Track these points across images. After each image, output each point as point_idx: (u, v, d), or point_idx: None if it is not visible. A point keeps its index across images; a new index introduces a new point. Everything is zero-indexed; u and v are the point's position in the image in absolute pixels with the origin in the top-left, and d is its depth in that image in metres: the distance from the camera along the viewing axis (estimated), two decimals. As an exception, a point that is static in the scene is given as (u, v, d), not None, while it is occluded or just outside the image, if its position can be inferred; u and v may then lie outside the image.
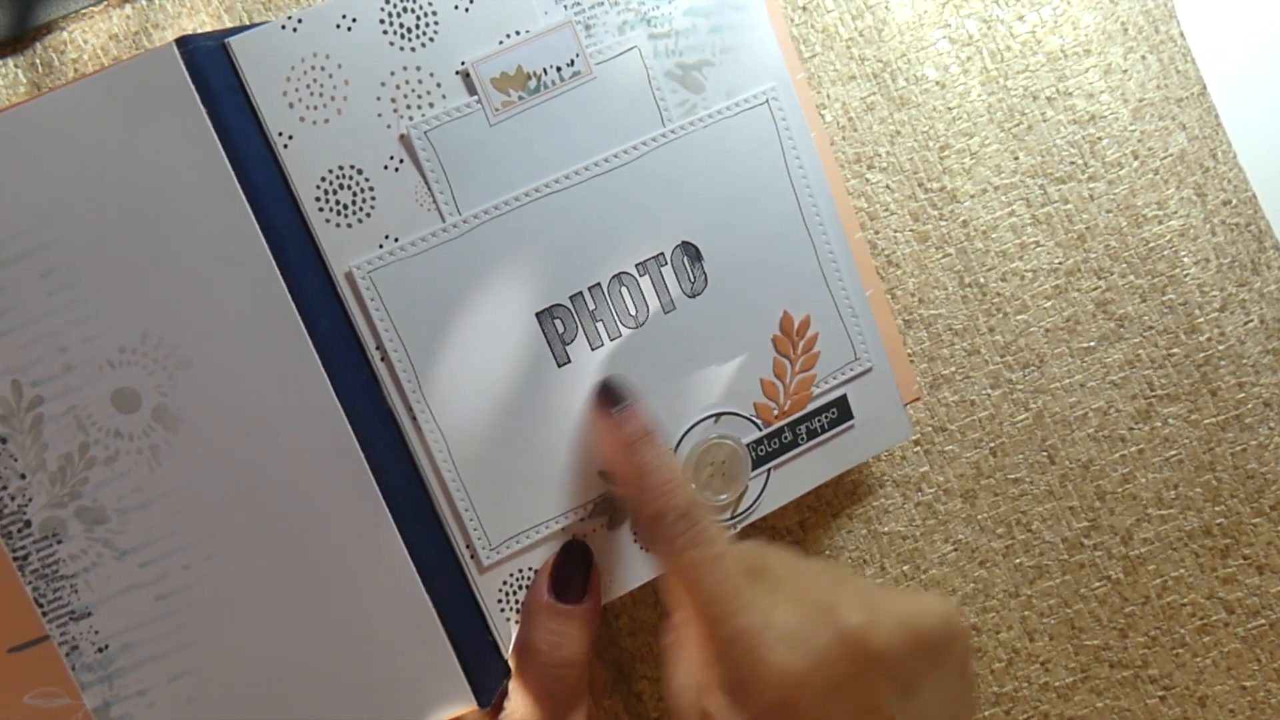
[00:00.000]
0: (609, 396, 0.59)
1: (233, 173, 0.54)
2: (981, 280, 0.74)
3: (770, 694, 0.52)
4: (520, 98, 0.58)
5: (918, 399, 0.70)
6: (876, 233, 0.74)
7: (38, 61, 0.69)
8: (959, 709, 0.56)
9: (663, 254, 0.61)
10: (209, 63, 0.54)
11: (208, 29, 0.69)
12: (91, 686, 0.56)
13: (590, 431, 0.61)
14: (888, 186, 0.74)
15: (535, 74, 0.58)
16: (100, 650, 0.56)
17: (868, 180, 0.74)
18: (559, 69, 0.59)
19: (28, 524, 0.55)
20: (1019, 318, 0.74)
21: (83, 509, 0.55)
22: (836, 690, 0.52)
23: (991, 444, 0.75)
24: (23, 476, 0.54)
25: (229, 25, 0.69)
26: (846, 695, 0.53)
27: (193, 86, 0.53)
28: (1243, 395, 0.74)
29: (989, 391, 0.74)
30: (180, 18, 0.70)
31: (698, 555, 0.54)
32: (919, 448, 0.75)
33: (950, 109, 0.74)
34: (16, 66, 0.69)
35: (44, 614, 0.55)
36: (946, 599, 0.59)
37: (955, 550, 0.74)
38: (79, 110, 0.53)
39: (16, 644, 0.56)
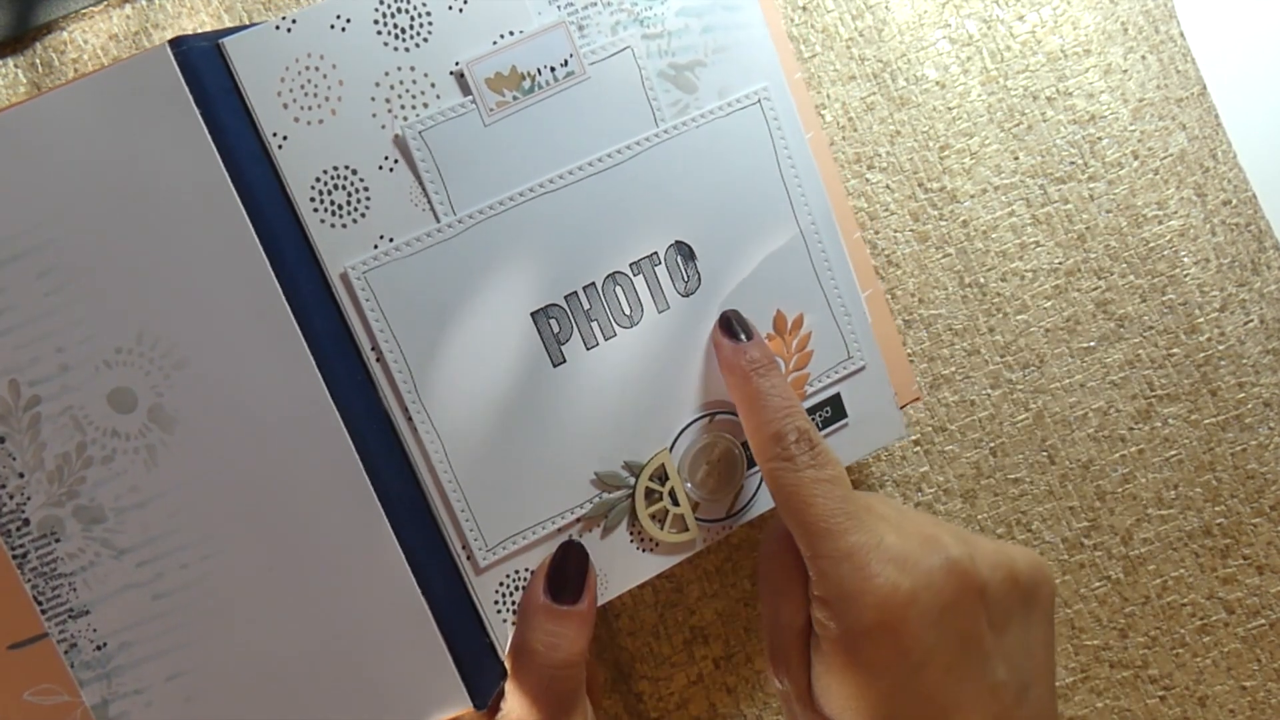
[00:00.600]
0: (733, 327, 0.62)
1: (227, 173, 0.54)
2: (981, 280, 0.74)
3: (877, 611, 0.54)
4: (514, 98, 0.58)
5: (917, 399, 0.70)
6: (876, 233, 0.74)
7: (38, 61, 0.70)
8: (1043, 653, 0.59)
9: (656, 253, 0.61)
10: (203, 63, 0.54)
11: (208, 29, 0.69)
12: (90, 684, 0.56)
13: (714, 356, 0.63)
14: (888, 186, 0.74)
15: (529, 74, 0.59)
16: (99, 648, 0.56)
17: (868, 180, 0.74)
18: (553, 69, 0.59)
19: (26, 522, 0.55)
20: (1019, 318, 0.74)
21: (80, 508, 0.55)
22: (940, 614, 0.54)
23: (991, 444, 0.75)
24: (21, 475, 0.55)
25: (229, 25, 0.69)
26: (949, 621, 0.55)
27: (186, 87, 0.53)
28: (1243, 395, 0.74)
29: (989, 391, 0.74)
30: (180, 18, 0.70)
31: (815, 474, 0.57)
32: (919, 448, 0.75)
33: (950, 109, 0.74)
34: (16, 66, 0.70)
35: (43, 612, 0.56)
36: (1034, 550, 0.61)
37: (955, 550, 0.74)
38: (74, 111, 0.53)
39: (15, 641, 0.56)
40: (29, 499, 0.55)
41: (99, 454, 0.55)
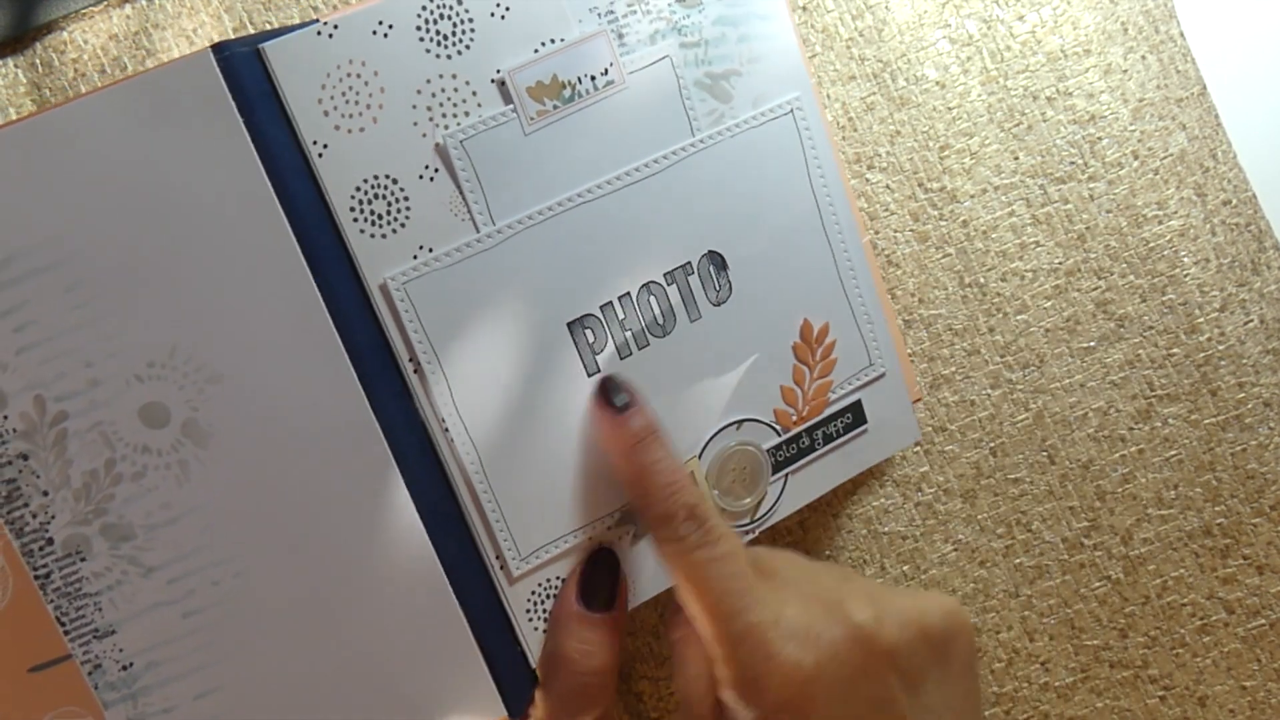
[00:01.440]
0: (610, 394, 0.59)
1: (268, 182, 0.53)
2: (981, 280, 0.74)
3: (782, 690, 0.52)
4: (555, 107, 0.58)
5: (918, 399, 0.70)
6: (877, 233, 0.74)
7: (38, 61, 0.68)
8: (966, 704, 0.57)
9: (690, 263, 0.61)
10: (244, 69, 0.53)
11: (208, 29, 0.68)
12: (115, 705, 0.55)
13: (593, 431, 0.60)
14: (888, 186, 0.74)
15: (570, 83, 0.58)
16: (124, 668, 0.55)
17: (868, 180, 0.74)
18: (593, 78, 0.58)
19: (50, 541, 0.54)
20: (1019, 318, 0.74)
21: (108, 526, 0.54)
22: (848, 685, 0.53)
23: (991, 444, 0.75)
24: (45, 494, 0.53)
25: (229, 25, 0.68)
26: (858, 690, 0.53)
27: (229, 94, 0.52)
28: (1243, 395, 0.75)
29: (989, 391, 0.74)
30: (180, 18, 0.68)
31: (707, 554, 0.55)
32: (919, 448, 0.75)
33: (950, 109, 0.74)
34: (16, 66, 0.68)
35: (66, 632, 0.54)
36: (950, 596, 0.59)
37: (955, 550, 0.74)
38: (109, 116, 0.52)
39: (37, 663, 0.55)
40: (54, 517, 0.54)
41: (129, 470, 0.54)
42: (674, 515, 0.55)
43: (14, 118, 0.65)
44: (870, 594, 0.56)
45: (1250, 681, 0.75)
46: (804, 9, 0.73)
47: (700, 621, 0.55)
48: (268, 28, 0.69)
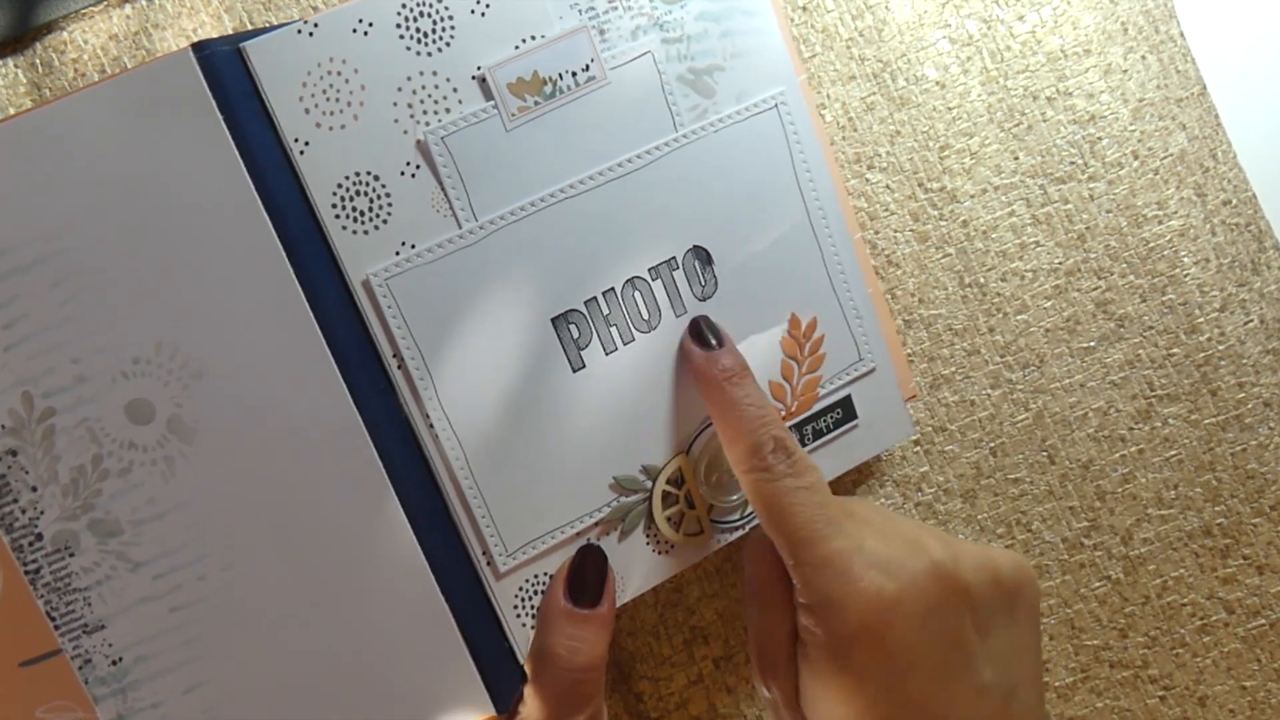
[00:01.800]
0: (704, 334, 0.61)
1: (250, 180, 0.53)
2: (981, 280, 0.74)
3: (864, 614, 0.53)
4: (536, 103, 0.58)
5: (914, 397, 0.70)
6: (876, 233, 0.74)
7: (38, 61, 0.68)
8: (1030, 655, 0.58)
9: (674, 258, 0.61)
10: (225, 68, 0.53)
11: (208, 29, 0.68)
12: (105, 700, 0.55)
13: (685, 367, 0.62)
14: (888, 186, 0.74)
15: (551, 79, 0.58)
16: (114, 663, 0.55)
17: (868, 180, 0.74)
18: (574, 74, 0.59)
19: (39, 537, 0.54)
20: (1019, 318, 0.74)
21: (95, 521, 0.54)
22: (925, 618, 0.54)
23: (991, 444, 0.75)
24: (34, 489, 0.54)
25: (229, 25, 0.68)
26: (934, 624, 0.54)
27: (209, 92, 0.53)
28: (1243, 395, 0.74)
29: (989, 391, 0.74)
30: (180, 18, 0.69)
31: (793, 483, 0.56)
32: (919, 448, 0.75)
33: (950, 109, 0.74)
34: (16, 66, 0.68)
35: (56, 627, 0.55)
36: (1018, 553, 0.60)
37: (955, 550, 0.74)
38: (92, 115, 0.52)
39: (28, 658, 0.55)
40: (42, 513, 0.54)
41: (115, 466, 0.54)
42: (763, 445, 0.57)
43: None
44: (944, 538, 0.57)
45: (1250, 681, 0.75)
46: (804, 9, 0.73)
47: (783, 548, 0.56)
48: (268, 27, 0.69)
